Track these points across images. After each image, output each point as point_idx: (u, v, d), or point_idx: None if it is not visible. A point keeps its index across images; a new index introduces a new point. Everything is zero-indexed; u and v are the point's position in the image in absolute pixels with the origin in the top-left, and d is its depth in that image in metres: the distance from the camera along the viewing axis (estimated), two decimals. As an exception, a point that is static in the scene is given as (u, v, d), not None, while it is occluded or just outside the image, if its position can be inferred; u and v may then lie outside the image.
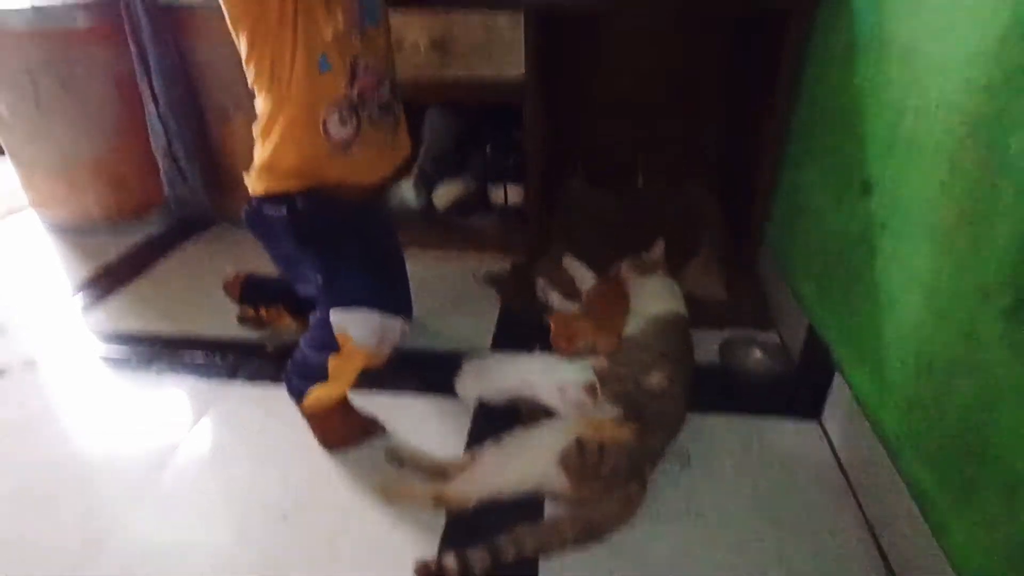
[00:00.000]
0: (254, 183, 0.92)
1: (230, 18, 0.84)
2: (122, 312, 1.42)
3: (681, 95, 1.70)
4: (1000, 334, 0.63)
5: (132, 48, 1.55)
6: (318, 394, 0.96)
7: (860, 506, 0.88)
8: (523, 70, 1.29)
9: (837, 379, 0.99)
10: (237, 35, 0.85)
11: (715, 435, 1.01)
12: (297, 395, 0.98)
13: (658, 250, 1.27)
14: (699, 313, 1.19)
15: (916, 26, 0.83)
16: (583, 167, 1.81)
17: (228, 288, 1.27)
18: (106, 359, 1.25)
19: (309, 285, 0.99)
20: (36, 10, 1.52)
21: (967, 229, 0.69)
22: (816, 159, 1.15)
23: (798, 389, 1.09)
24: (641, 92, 1.72)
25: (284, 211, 0.91)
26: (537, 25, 1.26)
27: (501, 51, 1.29)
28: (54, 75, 1.59)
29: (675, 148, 1.74)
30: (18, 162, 1.77)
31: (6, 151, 1.77)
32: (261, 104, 0.89)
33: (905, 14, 0.86)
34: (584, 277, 1.31)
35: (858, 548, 0.82)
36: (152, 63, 1.56)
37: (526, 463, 0.86)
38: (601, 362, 0.98)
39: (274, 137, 0.88)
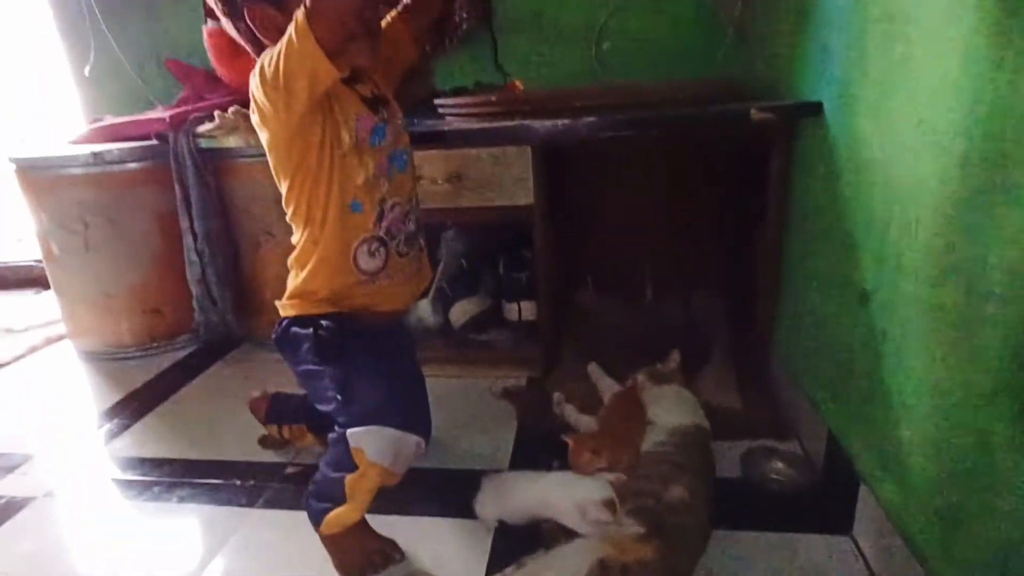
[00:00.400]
0: (286, 309, 1.00)
1: (273, 164, 0.95)
2: (147, 438, 1.45)
3: (683, 211, 1.81)
4: (1010, 441, 0.64)
5: (177, 188, 1.71)
6: (335, 516, 0.96)
7: (904, 630, 0.83)
8: (531, 198, 1.40)
9: (863, 489, 0.97)
10: (279, 178, 0.96)
11: (744, 554, 0.97)
12: (316, 519, 0.98)
13: (674, 360, 1.30)
14: (715, 424, 1.19)
15: (888, 149, 0.90)
16: (592, 280, 1.89)
17: (254, 407, 1.30)
18: (129, 487, 1.26)
19: (329, 404, 1.03)
20: (95, 155, 1.71)
21: (961, 338, 0.72)
22: (815, 271, 1.20)
23: (825, 501, 1.06)
24: (645, 209, 1.83)
25: (310, 330, 0.97)
26: (543, 158, 1.39)
27: (511, 181, 1.40)
28: (104, 215, 1.74)
29: (681, 259, 1.82)
30: (62, 295, 1.89)
31: (52, 285, 1.90)
32: (296, 238, 0.98)
33: (875, 137, 0.94)
34: (607, 387, 1.33)
35: None
36: (193, 201, 1.71)
37: (549, 588, 0.84)
38: (620, 478, 0.98)
39: (307, 269, 0.97)
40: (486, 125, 1.38)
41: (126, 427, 1.50)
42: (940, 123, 0.76)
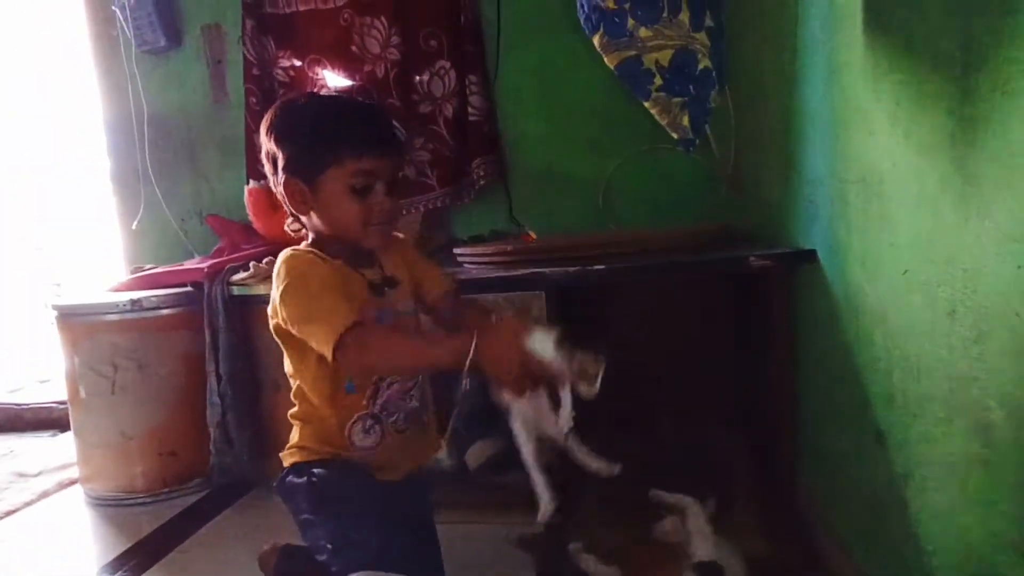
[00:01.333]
0: (286, 458, 1.07)
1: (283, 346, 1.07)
2: (150, 592, 1.39)
3: (693, 350, 1.85)
4: (1047, 592, 0.62)
5: (207, 332, 1.79)
6: None
7: None
8: (546, 339, 1.46)
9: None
10: (286, 356, 1.07)
11: None
12: None
13: (711, 504, 1.27)
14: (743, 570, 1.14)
15: (880, 295, 0.96)
16: (609, 419, 1.89)
17: (262, 561, 1.26)
18: (126, 648, 1.19)
19: (323, 554, 1.01)
20: (133, 302, 1.81)
21: (978, 483, 0.72)
22: (830, 410, 1.22)
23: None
24: (656, 347, 1.88)
25: (304, 479, 1.02)
26: (557, 302, 1.47)
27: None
28: (134, 359, 1.81)
29: (696, 398, 1.83)
30: (80, 438, 1.91)
31: (73, 427, 1.92)
32: (297, 405, 1.08)
33: (868, 284, 1.01)
34: (599, 572, 1.26)
35: None
36: (221, 344, 1.79)
37: None
38: None
39: (306, 431, 1.07)
40: (503, 273, 1.48)
41: (131, 579, 1.44)
42: (924, 273, 0.82)
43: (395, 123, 1.21)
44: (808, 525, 1.33)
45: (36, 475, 2.10)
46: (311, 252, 1.04)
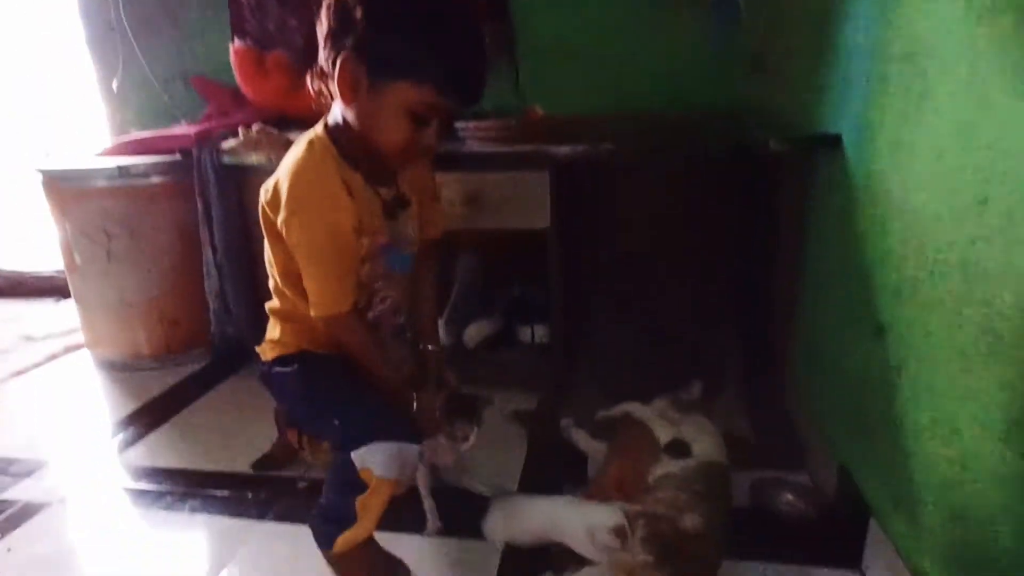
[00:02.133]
0: (266, 352, 1.04)
1: (270, 244, 1.00)
2: (161, 449, 1.46)
3: (699, 236, 1.82)
4: (1022, 480, 0.64)
5: (199, 202, 1.74)
6: (346, 537, 0.96)
7: (917, 670, 0.82)
8: (548, 221, 1.42)
9: (874, 523, 0.96)
10: (272, 252, 1.00)
11: (753, 584, 0.97)
12: (323, 540, 0.99)
13: (696, 390, 1.30)
14: (727, 453, 1.19)
15: (905, 182, 0.91)
16: (606, 304, 1.90)
17: (279, 415, 1.30)
18: (142, 497, 1.28)
19: (325, 432, 1.03)
20: (120, 168, 1.75)
21: (977, 374, 0.72)
22: (830, 301, 1.21)
23: (835, 534, 1.05)
24: (661, 235, 1.85)
25: (294, 366, 1.00)
26: (560, 180, 1.41)
27: (528, 205, 1.42)
28: (126, 227, 1.78)
29: (697, 286, 1.82)
30: (82, 305, 1.93)
31: (73, 294, 1.93)
32: (277, 300, 1.03)
33: (893, 171, 0.95)
34: (593, 450, 1.31)
35: None
36: (214, 215, 1.74)
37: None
38: (634, 505, 0.97)
39: (289, 328, 1.02)
40: (505, 149, 1.41)
41: (140, 437, 1.52)
42: (958, 160, 0.77)
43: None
44: (793, 415, 1.37)
45: (43, 338, 2.15)
46: (332, 159, 0.94)
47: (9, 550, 1.12)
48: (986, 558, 0.70)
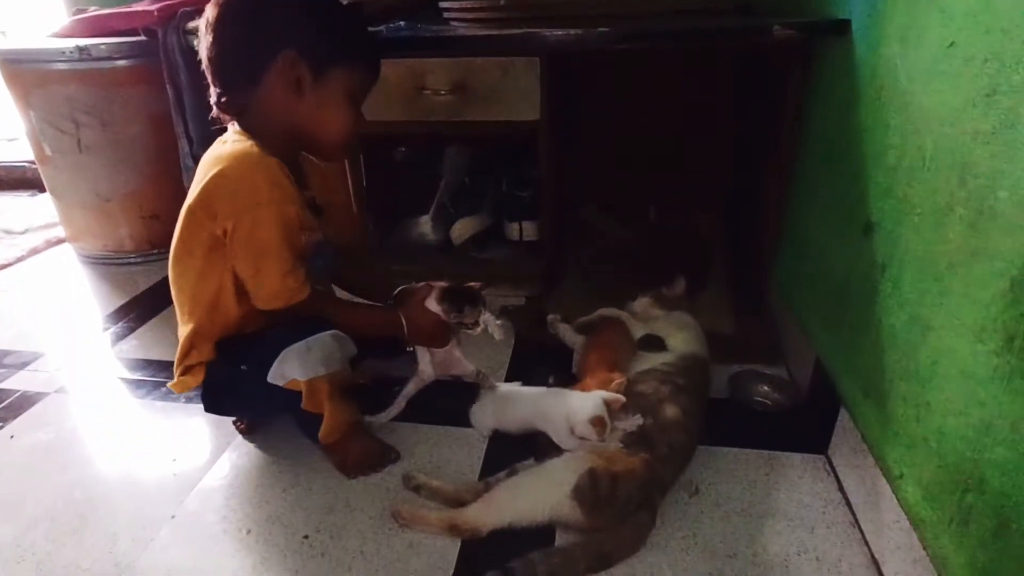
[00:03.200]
0: (189, 382, 1.02)
1: (177, 253, 0.97)
2: (153, 342, 1.48)
3: (692, 133, 1.76)
4: (992, 373, 0.66)
5: (169, 89, 1.64)
6: (326, 429, 1.01)
7: (865, 539, 0.89)
8: (538, 113, 1.36)
9: (843, 413, 1.01)
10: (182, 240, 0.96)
11: (724, 467, 1.03)
12: (312, 437, 1.05)
13: (680, 286, 1.31)
14: (709, 346, 1.22)
15: (911, 77, 0.87)
16: (596, 201, 1.87)
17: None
18: (138, 386, 1.31)
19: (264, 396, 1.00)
20: (80, 49, 1.63)
21: (959, 273, 0.72)
22: (821, 199, 1.19)
23: (805, 423, 1.11)
24: (653, 130, 1.79)
25: (219, 367, 1.00)
26: (551, 67, 1.33)
27: (517, 94, 1.35)
28: (95, 115, 1.69)
29: (687, 183, 1.79)
30: (57, 198, 1.87)
31: (47, 187, 1.87)
32: (190, 322, 1.00)
33: (903, 62, 0.90)
34: (573, 341, 1.33)
35: (865, 581, 0.84)
36: (187, 104, 1.65)
37: (539, 495, 0.89)
38: (618, 399, 1.00)
39: (202, 347, 1.00)
40: (493, 32, 1.31)
41: (131, 330, 1.53)
42: (972, 47, 0.72)
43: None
44: (775, 311, 1.40)
45: (22, 232, 2.11)
46: (270, 156, 0.90)
47: (12, 437, 1.16)
48: (947, 446, 0.74)
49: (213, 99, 0.94)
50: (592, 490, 0.87)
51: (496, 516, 0.89)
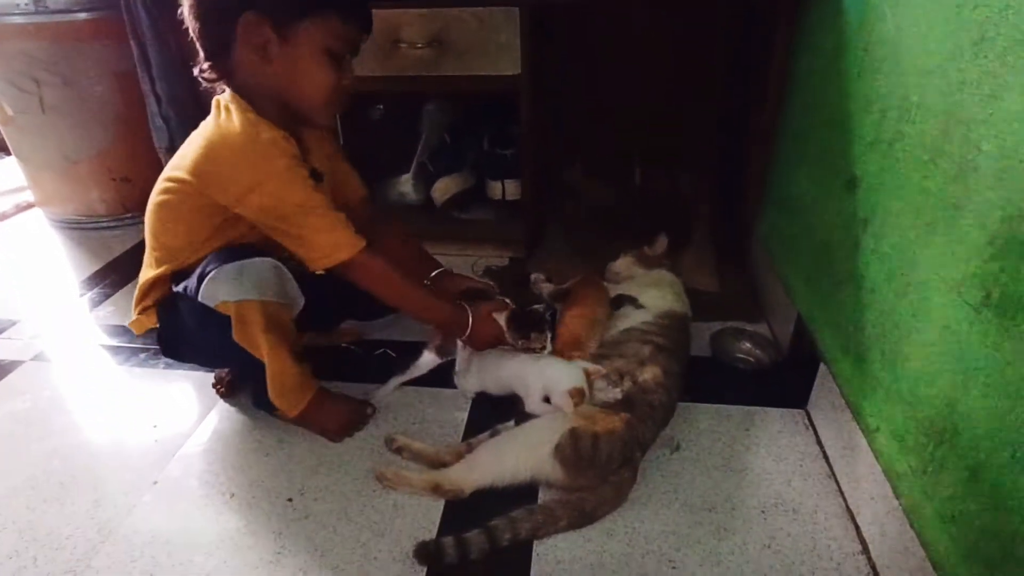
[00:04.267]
0: (144, 322, 1.03)
1: (161, 214, 0.96)
2: (131, 307, 1.45)
3: (676, 91, 1.72)
4: (970, 328, 0.66)
5: (132, 45, 1.57)
6: (274, 387, 0.98)
7: (840, 490, 0.91)
8: (519, 67, 1.31)
9: (822, 368, 1.02)
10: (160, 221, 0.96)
11: (704, 423, 1.05)
12: (271, 411, 1.04)
13: (661, 244, 1.30)
14: (692, 304, 1.23)
15: (900, 26, 0.85)
16: (580, 160, 1.84)
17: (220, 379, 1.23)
18: (117, 353, 1.29)
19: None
20: (36, 1, 1.54)
21: (940, 227, 0.72)
22: (805, 155, 1.18)
23: (785, 379, 1.12)
24: (637, 88, 1.74)
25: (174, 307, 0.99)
26: (532, 19, 1.28)
27: (497, 47, 1.31)
28: (56, 73, 1.61)
29: (670, 142, 1.76)
30: (24, 161, 1.81)
31: (12, 150, 1.80)
32: (149, 270, 1.00)
33: (889, 10, 0.88)
34: (549, 292, 1.32)
35: (839, 532, 0.86)
36: (152, 60, 1.58)
37: (521, 454, 0.89)
38: (596, 368, 0.99)
39: (158, 289, 1.01)
40: (470, -20, 1.26)
41: (108, 296, 1.50)
42: (961, -6, 0.70)
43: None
44: (757, 269, 1.40)
45: (-10, 197, 2.05)
46: (262, 119, 0.88)
47: (-11, 405, 1.14)
48: (922, 399, 0.75)
49: (196, 71, 0.90)
50: (574, 449, 0.87)
51: (479, 476, 0.89)
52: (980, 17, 0.67)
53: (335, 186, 1.05)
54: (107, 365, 1.26)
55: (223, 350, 0.93)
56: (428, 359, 1.12)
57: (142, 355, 1.27)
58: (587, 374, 0.96)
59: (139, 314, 1.03)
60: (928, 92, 0.76)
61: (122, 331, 1.36)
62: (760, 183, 1.38)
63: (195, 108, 1.66)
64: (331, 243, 0.90)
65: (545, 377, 0.97)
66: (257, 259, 0.91)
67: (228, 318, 0.91)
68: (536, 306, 1.07)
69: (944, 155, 0.72)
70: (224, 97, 0.91)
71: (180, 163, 0.91)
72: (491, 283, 1.15)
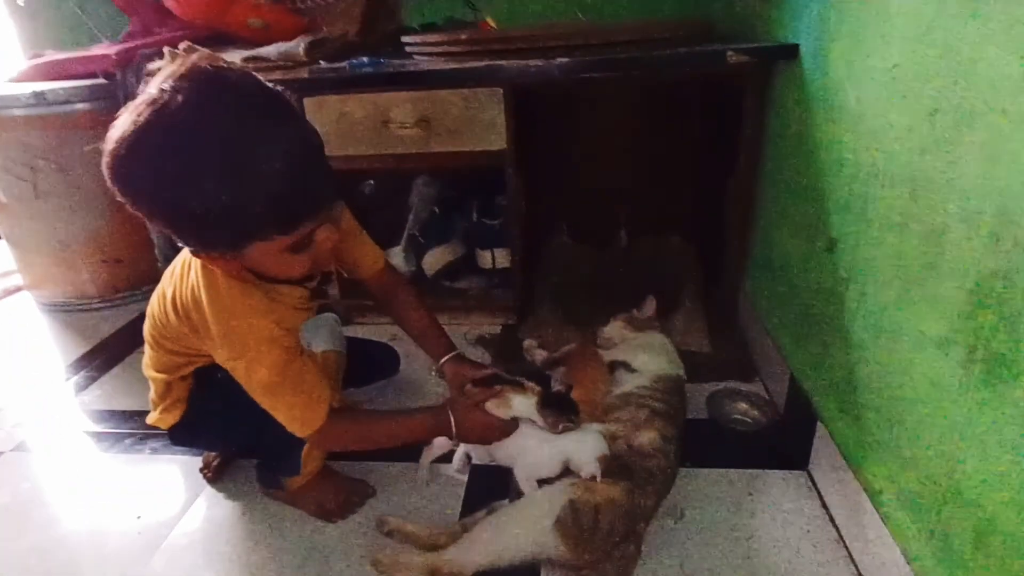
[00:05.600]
0: (167, 419, 0.99)
1: (161, 333, 0.92)
2: (116, 390, 1.43)
3: (656, 157, 1.79)
4: (959, 384, 0.67)
5: (129, 133, 1.62)
6: (292, 480, 0.98)
7: (850, 556, 0.89)
8: (504, 142, 1.37)
9: (820, 428, 1.01)
10: (164, 337, 0.92)
11: (706, 489, 1.02)
12: (273, 483, 1.02)
13: (650, 307, 1.31)
14: (685, 366, 1.23)
15: (860, 94, 0.90)
16: (566, 227, 1.88)
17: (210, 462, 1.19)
18: (101, 439, 1.26)
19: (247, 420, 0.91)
20: (36, 94, 1.60)
21: (921, 285, 0.74)
22: (785, 216, 1.22)
23: (785, 440, 1.11)
24: (618, 155, 1.81)
25: (204, 399, 0.97)
26: (516, 100, 1.34)
27: (482, 125, 1.36)
28: (52, 160, 1.65)
29: (654, 206, 1.82)
30: (14, 245, 1.82)
31: (4, 235, 1.82)
32: (159, 356, 0.95)
33: (848, 82, 0.93)
34: (542, 359, 1.33)
35: (852, 600, 0.83)
36: (148, 146, 1.63)
37: (521, 530, 0.87)
38: (608, 428, 0.98)
39: (178, 383, 0.97)
40: (456, 65, 1.33)
41: (94, 379, 1.48)
42: (913, 69, 0.75)
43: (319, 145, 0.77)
44: (747, 329, 1.41)
45: (-22, 282, 2.04)
46: (248, 281, 0.82)
47: (-33, 500, 1.10)
48: (922, 459, 0.74)
49: None
50: (575, 522, 0.85)
51: (479, 556, 0.86)
52: (932, 91, 0.71)
53: (351, 264, 1.05)
54: (90, 453, 1.22)
55: (253, 419, 0.88)
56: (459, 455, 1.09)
57: (127, 440, 1.24)
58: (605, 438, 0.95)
59: (162, 413, 0.98)
60: (893, 159, 0.80)
61: (108, 415, 1.33)
62: (742, 244, 1.41)
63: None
64: (296, 420, 0.86)
65: (567, 451, 0.94)
66: (325, 314, 0.95)
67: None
68: (557, 387, 1.05)
69: (914, 218, 0.75)
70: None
71: (174, 291, 0.87)
72: (508, 375, 1.05)
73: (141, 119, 0.65)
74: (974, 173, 0.64)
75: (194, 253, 0.78)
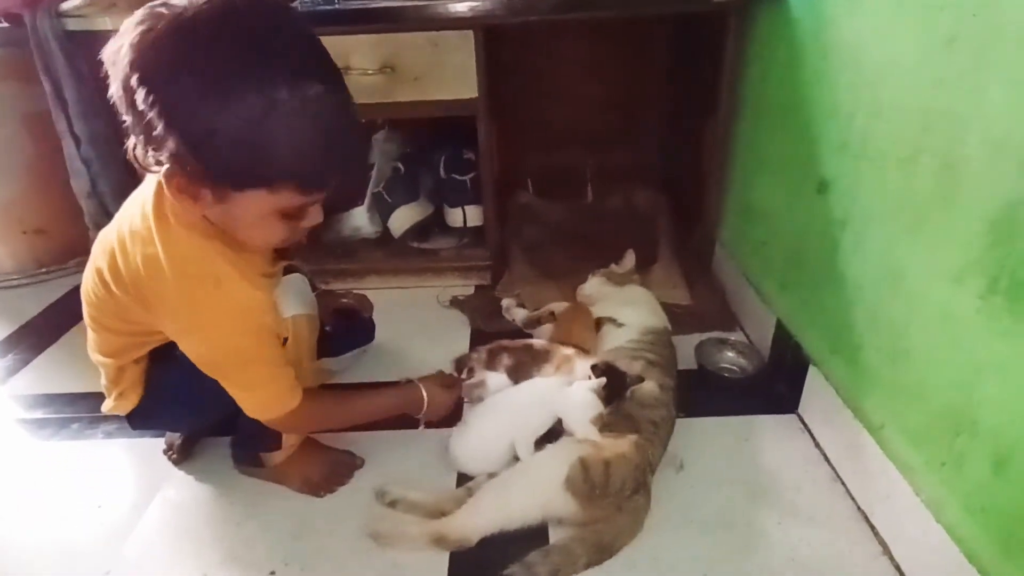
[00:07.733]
0: (125, 405, 0.89)
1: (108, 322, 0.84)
2: (53, 373, 1.29)
3: (626, 108, 1.75)
4: (976, 314, 0.67)
5: (45, 83, 1.43)
6: (273, 455, 0.92)
7: (849, 492, 0.91)
8: (475, 90, 1.28)
9: (811, 370, 1.02)
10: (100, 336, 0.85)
11: (702, 438, 1.02)
12: (252, 461, 0.95)
13: (629, 260, 1.29)
14: (668, 319, 1.21)
15: (860, 29, 0.88)
16: (532, 182, 1.83)
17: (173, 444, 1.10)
18: (42, 426, 1.13)
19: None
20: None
21: (933, 219, 0.73)
22: (766, 161, 1.20)
23: (773, 384, 1.12)
24: (585, 107, 1.76)
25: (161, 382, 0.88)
26: (486, 41, 1.26)
27: (452, 70, 1.27)
28: (-47, 117, 1.45)
29: (623, 159, 1.78)
30: (-86, 215, 1.60)
31: (-103, 203, 1.59)
32: (104, 343, 0.85)
33: (846, 18, 0.91)
34: (522, 318, 1.30)
35: (857, 535, 0.84)
36: (68, 98, 1.44)
37: (530, 492, 0.83)
38: (601, 382, 0.94)
39: (131, 368, 0.87)
40: (421, 2, 1.22)
41: (26, 362, 1.33)
42: (924, -2, 0.73)
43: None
44: (725, 278, 1.41)
45: None
46: (209, 242, 0.73)
47: None
48: (932, 391, 0.75)
49: (129, 148, 0.69)
50: (585, 480, 0.82)
51: (485, 521, 0.82)
52: (948, 20, 0.69)
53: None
54: (31, 443, 1.10)
55: (225, 394, 0.80)
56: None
57: (75, 425, 1.12)
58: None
59: (117, 400, 0.89)
60: (901, 92, 0.78)
61: (47, 400, 1.20)
62: (719, 193, 1.40)
63: (118, 147, 1.52)
64: (261, 400, 0.80)
65: (559, 411, 0.93)
66: (292, 275, 0.89)
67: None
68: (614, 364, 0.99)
69: (927, 150, 0.74)
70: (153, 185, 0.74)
71: (114, 264, 0.76)
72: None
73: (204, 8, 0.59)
74: (999, 101, 0.63)
75: (168, 177, 0.66)
